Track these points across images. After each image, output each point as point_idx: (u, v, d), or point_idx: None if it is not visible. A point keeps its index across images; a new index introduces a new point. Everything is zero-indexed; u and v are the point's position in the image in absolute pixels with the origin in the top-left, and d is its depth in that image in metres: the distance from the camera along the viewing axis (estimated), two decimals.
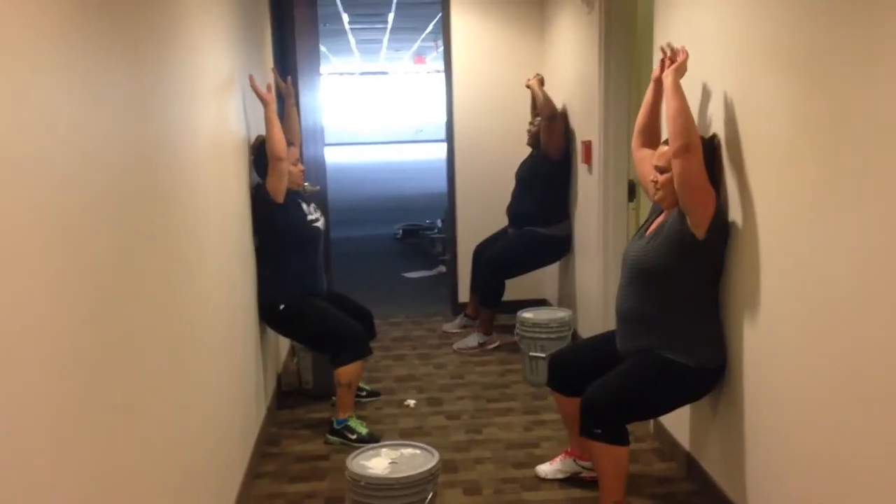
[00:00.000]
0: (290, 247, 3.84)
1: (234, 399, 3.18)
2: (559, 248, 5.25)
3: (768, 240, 2.51)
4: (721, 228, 2.77)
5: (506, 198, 5.43)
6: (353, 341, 3.83)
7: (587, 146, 4.70)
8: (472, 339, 5.20)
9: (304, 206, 3.96)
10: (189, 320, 2.49)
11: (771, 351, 2.53)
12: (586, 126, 4.76)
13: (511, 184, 5.41)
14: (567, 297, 5.42)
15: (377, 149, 25.36)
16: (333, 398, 3.89)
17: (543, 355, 4.46)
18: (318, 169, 5.44)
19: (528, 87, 5.18)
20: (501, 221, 5.49)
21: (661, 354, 2.84)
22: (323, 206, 5.32)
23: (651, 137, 3.11)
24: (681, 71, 2.81)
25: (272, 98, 3.77)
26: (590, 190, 4.74)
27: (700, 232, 2.74)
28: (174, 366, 2.29)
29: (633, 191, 4.49)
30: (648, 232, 2.97)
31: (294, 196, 3.90)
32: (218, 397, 2.88)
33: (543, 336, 4.48)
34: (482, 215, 5.88)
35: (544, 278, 5.83)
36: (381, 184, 16.22)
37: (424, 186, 15.11)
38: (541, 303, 5.98)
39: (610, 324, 4.52)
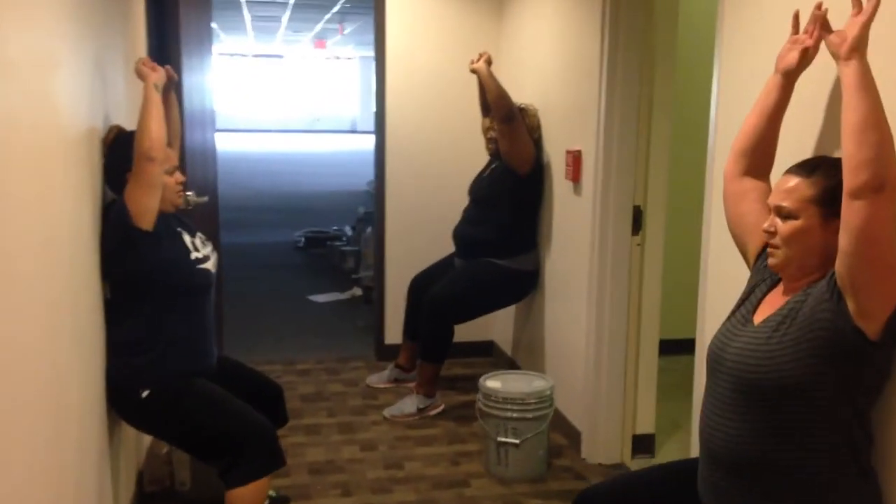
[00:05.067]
0: (161, 299, 2.50)
1: None
2: (523, 285, 4.08)
3: None
4: None
5: (452, 216, 4.22)
6: (256, 447, 2.52)
7: (575, 158, 3.53)
8: (410, 403, 3.96)
9: (187, 237, 2.62)
10: None
11: None
12: (573, 131, 3.60)
13: (460, 198, 4.19)
14: (528, 347, 4.25)
15: (269, 137, 23.62)
16: None
17: (517, 441, 3.28)
18: (207, 160, 4.08)
19: (473, 71, 3.95)
20: (445, 247, 4.27)
21: None
22: (212, 222, 3.95)
23: (762, 162, 1.96)
24: (863, 45, 1.64)
25: (155, 69, 2.50)
26: (575, 215, 3.57)
27: (874, 328, 1.61)
28: None
29: (638, 220, 3.35)
30: (759, 317, 1.82)
31: (170, 222, 2.56)
32: None
33: (516, 416, 3.29)
34: (420, 236, 4.65)
35: (493, 315, 4.62)
36: (275, 178, 14.66)
37: (326, 184, 13.70)
38: (485, 346, 4.81)
39: (604, 403, 3.41)
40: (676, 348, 4.16)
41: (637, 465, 3.44)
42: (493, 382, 3.41)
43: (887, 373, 1.68)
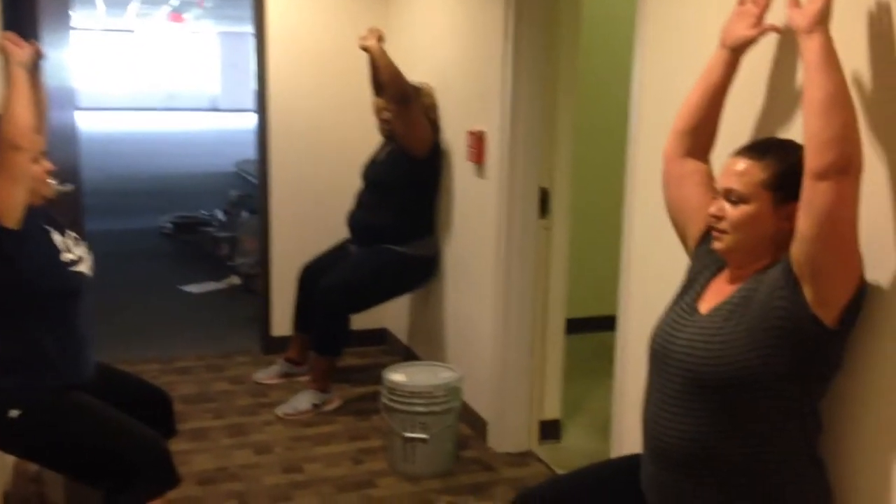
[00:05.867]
0: (30, 307, 2.17)
1: None
2: (423, 272, 3.92)
3: None
4: (856, 311, 1.59)
5: (343, 200, 4.01)
6: (147, 466, 2.25)
7: (477, 139, 3.39)
8: (304, 400, 3.72)
9: (57, 235, 2.28)
10: None
11: None
12: (475, 111, 3.45)
13: (352, 182, 3.97)
14: (426, 335, 4.10)
15: (121, 116, 22.27)
16: None
17: (425, 436, 3.13)
18: (68, 144, 3.67)
19: (363, 48, 3.74)
20: (336, 233, 4.05)
21: None
22: (75, 212, 3.56)
23: (704, 142, 1.86)
24: (827, 16, 1.55)
25: (20, 46, 2.17)
26: (479, 198, 3.44)
27: (832, 316, 1.55)
28: None
29: (545, 202, 3.25)
30: (705, 306, 1.73)
31: (37, 218, 2.22)
32: None
33: (424, 410, 3.14)
34: (309, 221, 4.40)
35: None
36: (132, 159, 13.79)
37: (190, 165, 13.01)
38: (378, 334, 4.63)
39: (511, 390, 3.31)
40: (577, 327, 4.15)
41: (544, 451, 3.37)
42: (397, 375, 3.24)
43: (840, 361, 1.63)
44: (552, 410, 3.44)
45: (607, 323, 4.80)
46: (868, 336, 1.61)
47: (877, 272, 1.58)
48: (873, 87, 1.60)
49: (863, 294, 1.57)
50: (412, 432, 3.14)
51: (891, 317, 1.57)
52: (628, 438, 2.50)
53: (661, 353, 1.75)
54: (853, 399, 1.66)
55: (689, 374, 1.67)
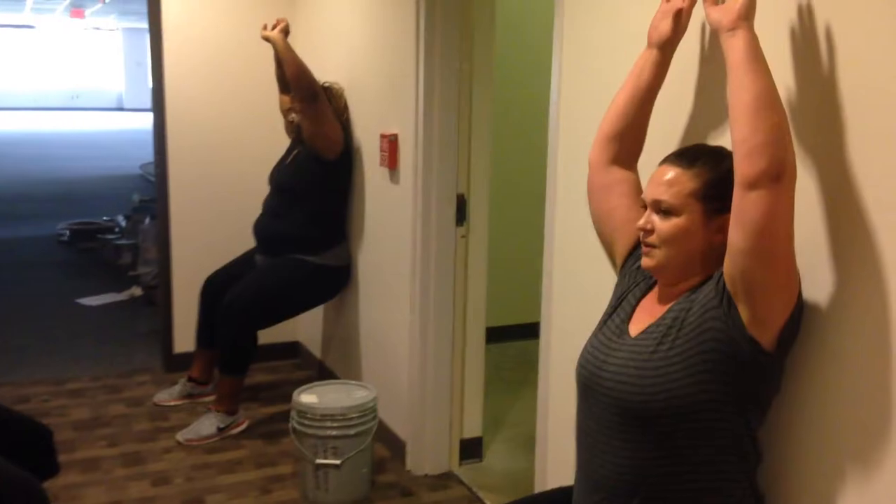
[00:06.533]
0: None
1: None
2: (335, 282, 3.70)
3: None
4: (794, 332, 1.47)
5: (250, 205, 3.77)
6: None
7: (390, 143, 3.20)
8: (208, 424, 3.46)
9: None
10: None
11: None
12: (387, 113, 3.26)
13: (259, 187, 3.73)
14: (340, 348, 3.89)
15: (25, 115, 21.21)
16: None
17: (338, 462, 2.92)
18: None
19: (266, 39, 3.50)
20: (243, 242, 3.80)
21: None
22: None
23: (631, 148, 1.72)
24: (751, 11, 1.41)
25: None
26: (394, 205, 3.25)
27: (769, 337, 1.42)
28: None
29: (462, 209, 3.08)
30: (635, 328, 1.59)
31: None
32: None
33: (337, 433, 2.93)
34: (212, 229, 4.14)
35: None
36: (30, 162, 13.05)
37: (92, 167, 12.37)
38: (290, 348, 4.39)
39: (430, 407, 3.13)
40: (497, 336, 4.02)
41: (466, 472, 3.20)
42: (308, 397, 3.02)
43: (778, 386, 1.51)
44: (473, 428, 3.27)
45: (526, 331, 4.72)
46: (806, 359, 1.49)
47: (812, 290, 1.46)
48: (797, 90, 1.48)
49: (800, 313, 1.45)
50: (324, 458, 2.92)
51: (829, 338, 1.45)
52: (553, 457, 2.35)
53: (590, 381, 1.60)
54: (790, 427, 1.54)
55: (622, 404, 1.52)
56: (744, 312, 1.42)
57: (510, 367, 4.24)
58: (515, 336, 4.50)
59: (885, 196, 1.34)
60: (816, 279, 1.46)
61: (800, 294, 1.43)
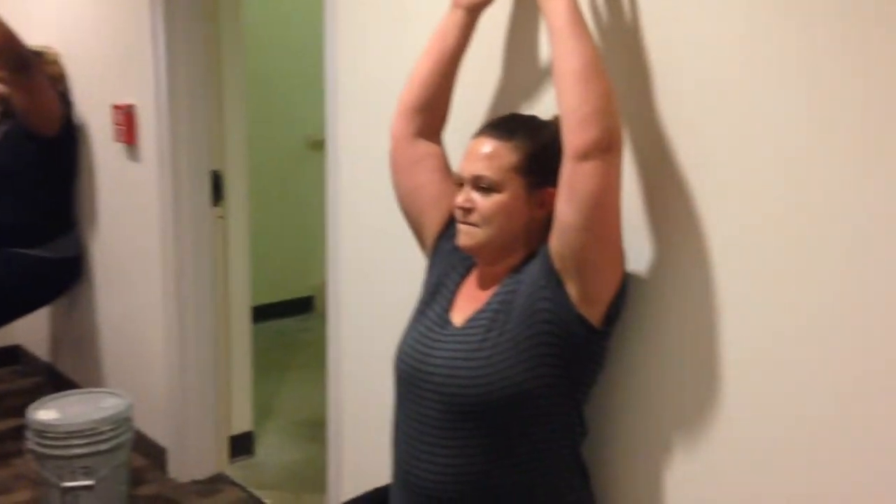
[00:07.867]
0: None
1: None
2: (65, 276, 3.23)
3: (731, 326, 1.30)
4: (620, 308, 1.45)
5: None
6: None
7: (126, 115, 2.81)
8: None
9: None
10: None
11: None
12: (120, 81, 2.86)
13: None
14: (75, 350, 3.43)
15: None
16: None
17: (91, 483, 2.55)
18: None
19: None
20: None
21: None
22: None
23: (437, 119, 1.59)
24: None
25: None
26: (135, 185, 2.87)
27: (597, 314, 1.39)
28: None
29: (218, 187, 2.80)
30: (459, 317, 1.48)
31: None
32: None
33: (86, 451, 2.54)
34: None
35: None
36: None
37: None
38: (10, 353, 3.82)
39: (192, 406, 2.85)
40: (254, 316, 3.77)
41: (237, 470, 2.97)
42: (46, 413, 2.59)
43: (603, 363, 1.49)
44: (242, 422, 3.03)
45: (284, 309, 4.52)
46: (629, 333, 1.48)
47: (633, 264, 1.45)
48: (612, 59, 1.45)
49: (626, 289, 1.43)
50: (73, 480, 2.53)
51: (651, 312, 1.45)
52: (348, 445, 2.20)
53: (412, 376, 1.48)
54: (613, 402, 1.53)
55: (451, 401, 1.41)
56: (572, 290, 1.37)
57: (273, 348, 4.01)
58: (274, 315, 4.29)
59: (701, 159, 1.34)
60: (638, 251, 1.45)
61: (625, 269, 1.41)
